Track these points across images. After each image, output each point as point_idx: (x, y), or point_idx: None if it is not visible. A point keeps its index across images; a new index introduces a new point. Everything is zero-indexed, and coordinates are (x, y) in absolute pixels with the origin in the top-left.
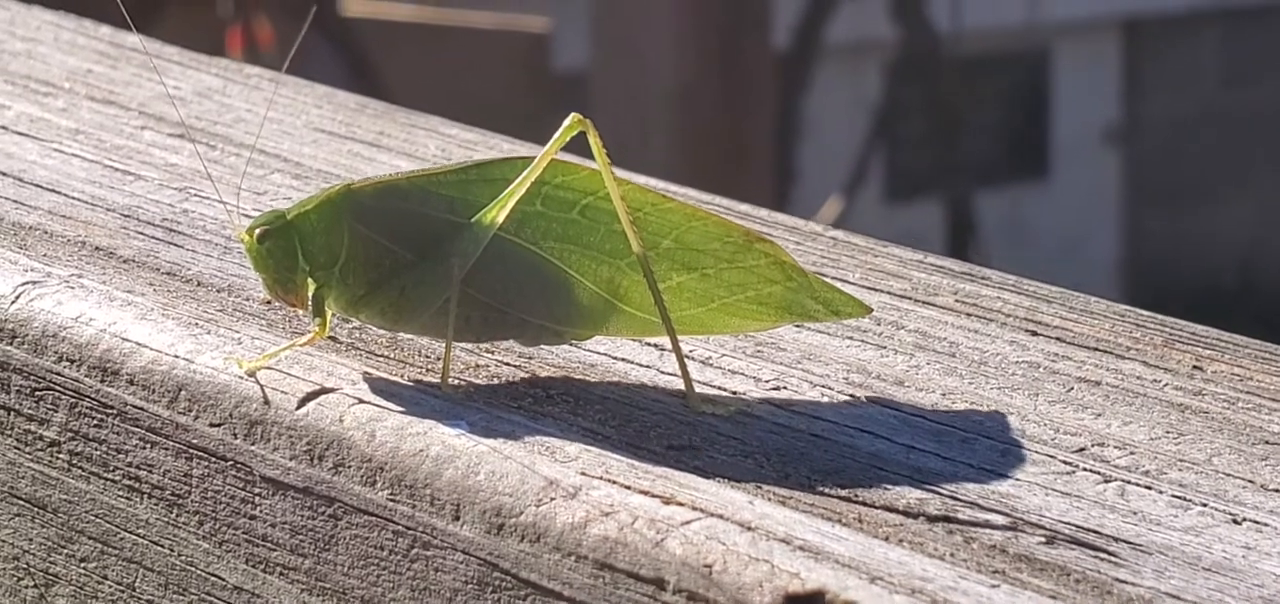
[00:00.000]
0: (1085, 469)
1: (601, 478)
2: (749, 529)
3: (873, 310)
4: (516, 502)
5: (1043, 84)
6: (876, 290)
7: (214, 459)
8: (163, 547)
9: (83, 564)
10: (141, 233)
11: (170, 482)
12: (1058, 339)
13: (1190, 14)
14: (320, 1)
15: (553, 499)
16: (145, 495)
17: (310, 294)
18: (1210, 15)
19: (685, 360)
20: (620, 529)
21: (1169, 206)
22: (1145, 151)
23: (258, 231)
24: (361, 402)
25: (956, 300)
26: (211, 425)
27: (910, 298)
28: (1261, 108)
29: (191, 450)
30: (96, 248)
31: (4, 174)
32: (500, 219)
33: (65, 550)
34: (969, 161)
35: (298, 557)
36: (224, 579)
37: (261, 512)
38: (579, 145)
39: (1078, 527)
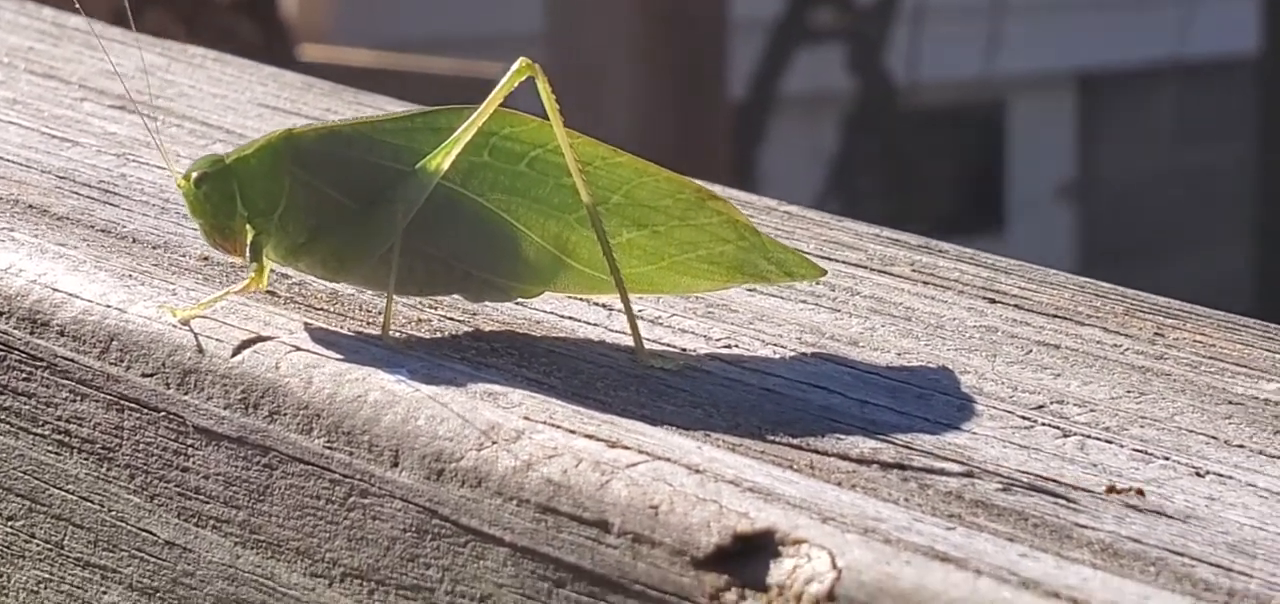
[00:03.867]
0: (1044, 424)
1: (545, 423)
2: (697, 472)
3: (826, 273)
4: (457, 446)
5: (999, 136)
6: (832, 260)
7: (146, 410)
8: (92, 503)
9: (10, 523)
10: (76, 193)
11: (101, 435)
12: (1016, 306)
13: (1146, 69)
14: (276, 46)
15: (495, 443)
16: (75, 450)
17: (248, 242)
18: (1165, 71)
19: (634, 315)
20: (564, 472)
21: (1122, 264)
22: (1099, 208)
23: (195, 175)
24: (299, 349)
25: (913, 270)
26: (143, 376)
27: (866, 267)
28: (1215, 165)
29: (123, 402)
30: (29, 205)
31: None
32: (445, 166)
33: None
34: (925, 213)
35: (231, 509)
36: (155, 534)
37: (194, 463)
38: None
39: (1036, 475)
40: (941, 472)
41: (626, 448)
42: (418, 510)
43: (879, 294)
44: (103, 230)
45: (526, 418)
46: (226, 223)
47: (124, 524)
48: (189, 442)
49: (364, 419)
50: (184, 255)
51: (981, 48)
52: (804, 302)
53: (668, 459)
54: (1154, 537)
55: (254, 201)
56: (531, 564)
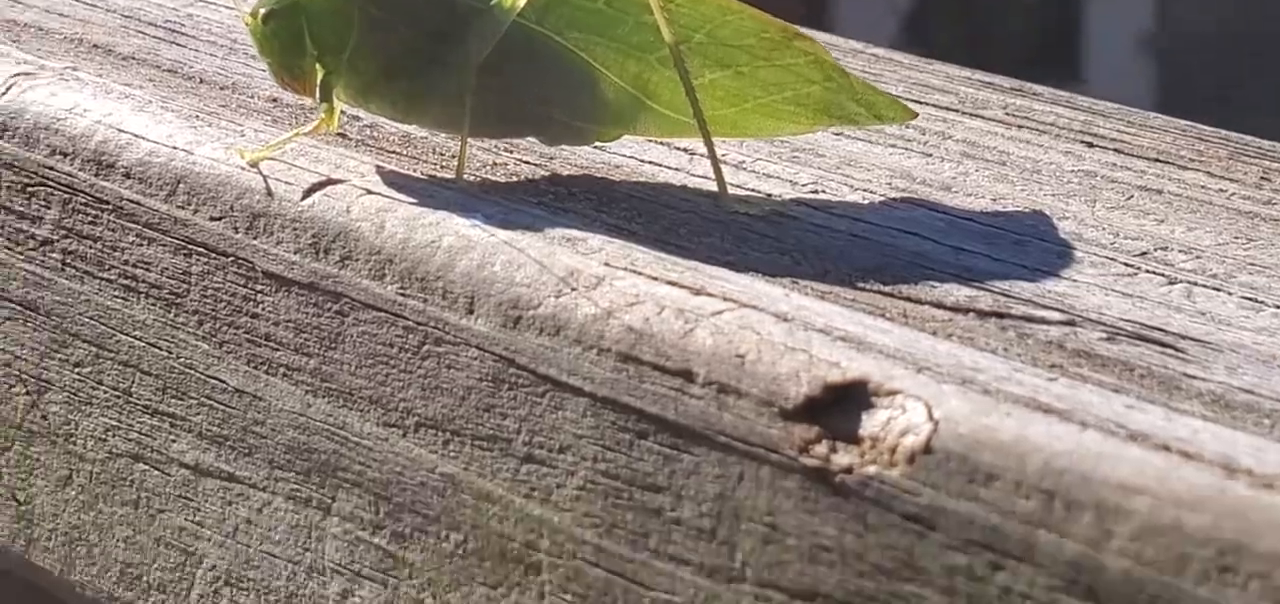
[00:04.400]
0: (1148, 271)
1: (626, 269)
2: (785, 320)
3: (918, 115)
4: (534, 293)
5: None
6: (922, 103)
7: (214, 255)
8: (160, 349)
9: (77, 369)
10: (142, 32)
11: (168, 280)
12: (1115, 150)
13: None
14: None
15: (574, 289)
16: (142, 295)
17: (318, 81)
18: None
19: (718, 158)
20: (646, 320)
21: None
22: (1179, 59)
23: (262, 12)
24: (371, 192)
25: (1006, 113)
26: (211, 219)
27: (957, 110)
28: None
29: (191, 246)
30: (93, 45)
31: None
32: (521, 2)
33: (58, 355)
34: (1002, 64)
35: (302, 356)
36: (225, 381)
37: (264, 309)
38: None
39: (1141, 324)
40: (1042, 320)
41: (711, 295)
42: (494, 359)
43: (971, 138)
44: (169, 70)
45: (607, 264)
46: (295, 61)
47: (193, 371)
48: (258, 287)
49: (438, 265)
50: (252, 96)
51: None
52: (893, 145)
53: (754, 307)
54: (1268, 387)
55: (323, 39)
56: (612, 415)
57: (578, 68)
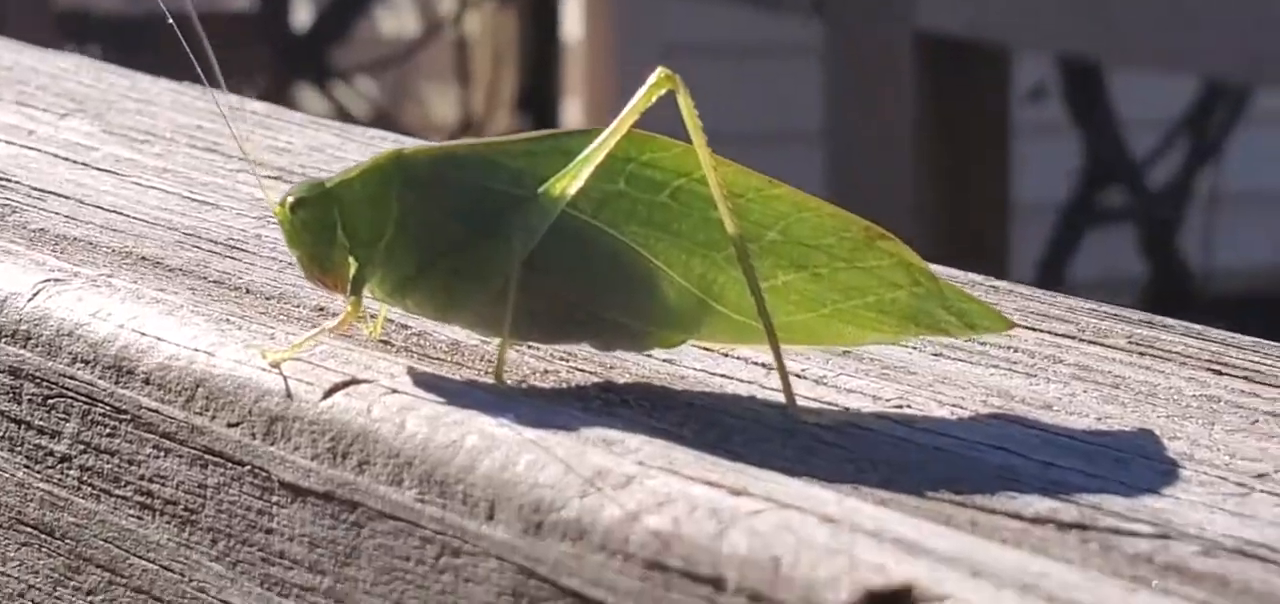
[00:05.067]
0: (1265, 492)
1: (661, 469)
2: (830, 522)
3: (1015, 324)
4: (558, 495)
5: None
6: (1036, 330)
7: (230, 464)
8: (173, 572)
9: (89, 598)
10: (198, 247)
11: (184, 495)
12: (1245, 377)
13: None
14: None
15: (600, 490)
16: (157, 513)
17: (351, 276)
18: None
19: (786, 366)
20: (675, 522)
21: None
22: None
23: (291, 200)
24: (396, 392)
25: (1129, 342)
26: (229, 425)
27: (1074, 337)
28: None
29: (207, 456)
30: (142, 257)
31: (64, 196)
32: (571, 191)
33: (72, 582)
34: None
35: (316, 574)
36: None
37: (279, 523)
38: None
39: (1246, 540)
40: (1130, 533)
41: (751, 495)
42: (514, 570)
43: (1086, 362)
44: (215, 281)
45: (640, 463)
46: (326, 253)
47: (204, 596)
48: (274, 499)
49: (459, 467)
50: (298, 306)
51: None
52: (996, 366)
53: (798, 508)
54: None
55: (357, 230)
56: None
57: (636, 265)
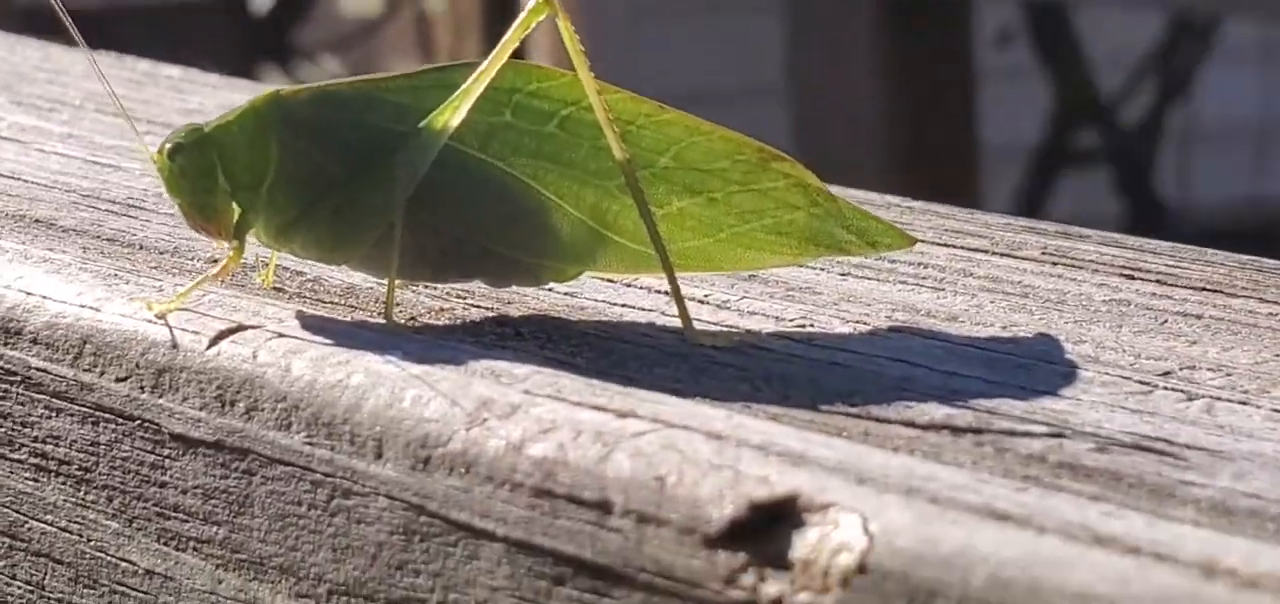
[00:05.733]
0: (1167, 388)
1: (548, 396)
2: (716, 438)
3: (918, 241)
4: (444, 428)
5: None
6: (949, 246)
7: (121, 420)
8: (72, 533)
9: None
10: (94, 207)
11: (77, 454)
12: (1158, 281)
13: None
14: None
15: (486, 420)
16: (52, 474)
17: (233, 220)
18: None
19: (680, 289)
20: (561, 447)
21: None
22: None
23: (169, 147)
24: (281, 336)
25: (1043, 253)
26: (117, 380)
27: (987, 252)
28: None
29: (98, 413)
30: (35, 219)
31: None
32: (453, 124)
33: None
34: None
35: (211, 525)
36: (135, 563)
37: (172, 476)
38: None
39: (1143, 436)
40: (1025, 434)
41: (638, 417)
42: (404, 508)
43: (997, 274)
44: (108, 238)
45: (527, 392)
46: (207, 199)
47: (104, 555)
48: (166, 452)
49: (345, 407)
50: (192, 259)
51: (1251, 168)
52: (903, 281)
53: (684, 427)
54: (1278, 491)
55: (237, 174)
56: (527, 560)
57: (526, 198)
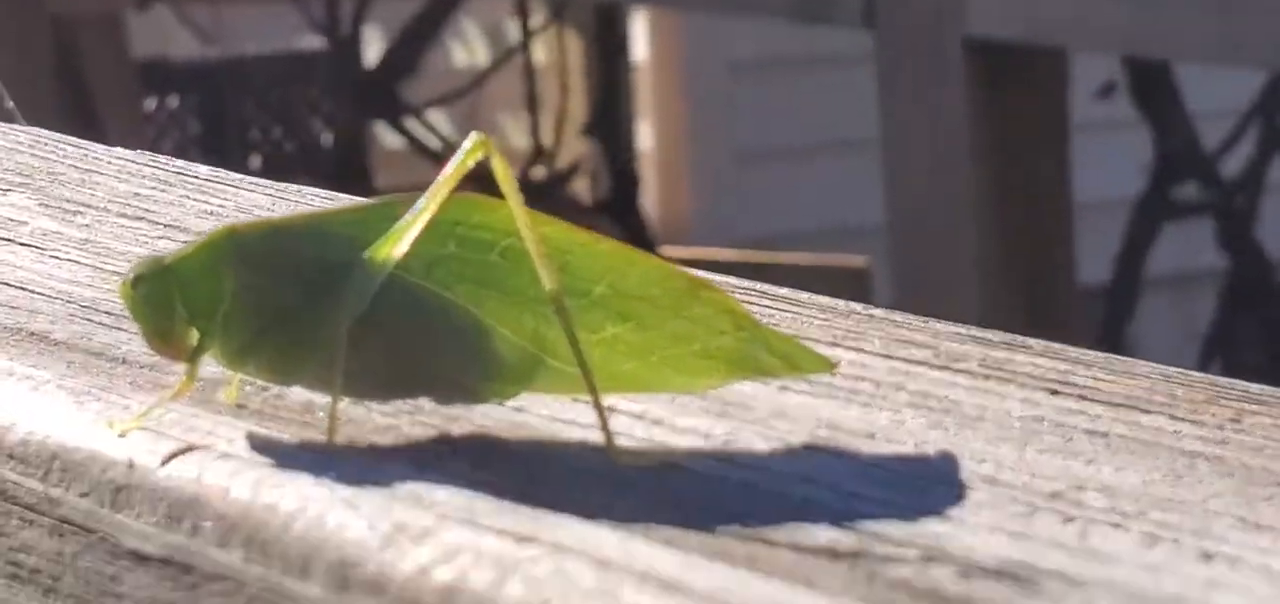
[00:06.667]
0: (1049, 510)
1: (460, 521)
2: (603, 566)
3: (838, 365)
4: (361, 551)
5: None
6: (891, 358)
7: (83, 533)
8: None
9: None
10: (88, 319)
11: (46, 563)
12: (1079, 396)
13: None
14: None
15: (399, 544)
16: (25, 582)
17: (191, 344)
18: None
19: (604, 410)
20: (461, 573)
21: None
22: None
23: (132, 278)
24: (227, 457)
25: (980, 365)
26: (81, 496)
27: (927, 365)
28: None
29: (64, 526)
30: (30, 333)
31: None
32: (396, 255)
33: None
34: None
35: None
36: None
37: (127, 588)
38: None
39: (1007, 561)
40: (898, 559)
41: (538, 543)
42: None
43: (928, 389)
44: (94, 353)
45: (441, 516)
46: (167, 326)
47: None
48: (122, 564)
49: (277, 528)
50: (169, 373)
51: None
52: (835, 396)
53: (576, 552)
54: None
55: (195, 303)
56: None
57: (468, 323)
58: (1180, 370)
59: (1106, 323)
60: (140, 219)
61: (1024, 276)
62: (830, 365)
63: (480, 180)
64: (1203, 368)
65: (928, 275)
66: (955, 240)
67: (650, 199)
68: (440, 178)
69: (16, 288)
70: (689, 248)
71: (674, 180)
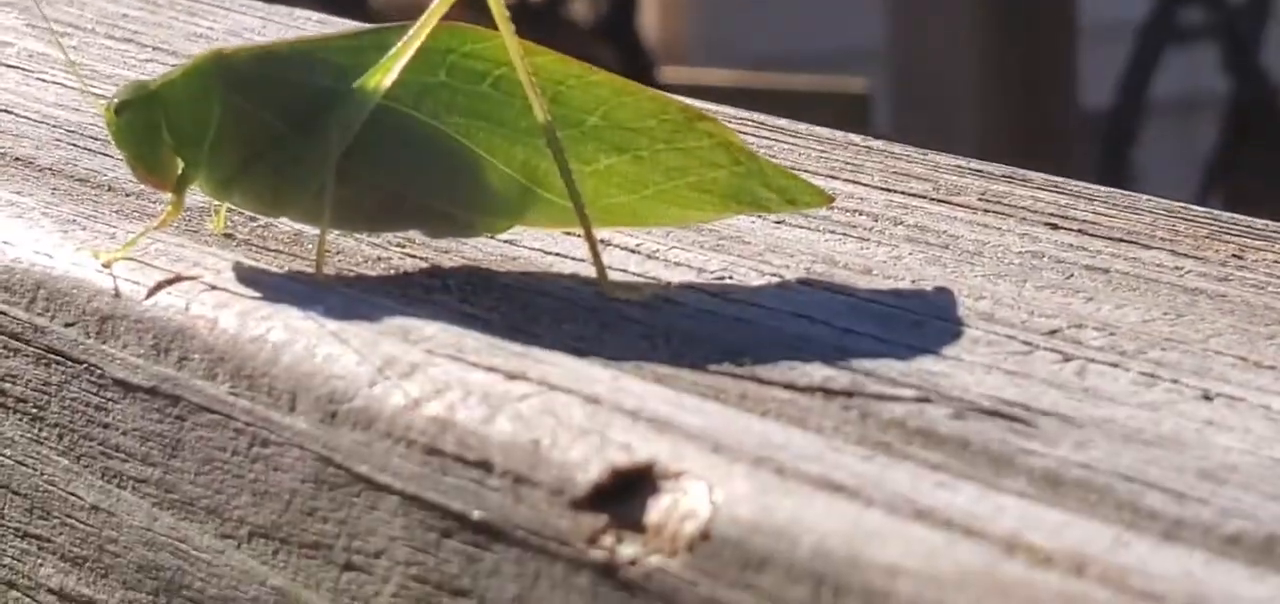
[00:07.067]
0: (1047, 349)
1: (449, 356)
2: (593, 402)
3: (834, 199)
4: (350, 385)
5: None
6: (889, 190)
7: (69, 363)
8: (27, 466)
9: None
10: (73, 144)
11: (32, 392)
12: (1079, 231)
13: None
14: (637, 70)
15: (388, 379)
16: (10, 410)
17: (177, 174)
18: None
19: (597, 242)
20: (450, 408)
21: None
22: None
23: (116, 103)
24: (214, 289)
25: (980, 198)
26: (66, 325)
27: (926, 197)
28: None
29: (49, 355)
30: (15, 158)
31: None
32: (385, 84)
33: None
34: None
35: (148, 466)
36: (82, 498)
37: (114, 418)
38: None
39: (1004, 401)
40: (893, 398)
41: (526, 379)
42: (314, 458)
43: (927, 222)
44: (78, 179)
45: (429, 351)
46: (152, 154)
47: (54, 488)
48: (108, 395)
49: (264, 360)
50: (155, 201)
51: None
52: (832, 232)
53: (567, 390)
54: (1111, 463)
55: (181, 129)
56: (419, 513)
57: (459, 154)
58: (1183, 204)
59: (1108, 147)
60: (128, 41)
61: (1025, 100)
62: (827, 198)
63: (477, 12)
64: (1204, 195)
65: (928, 99)
66: (956, 62)
67: (649, 20)
68: (430, 8)
69: (2, 110)
70: (688, 68)
71: (673, 1)
